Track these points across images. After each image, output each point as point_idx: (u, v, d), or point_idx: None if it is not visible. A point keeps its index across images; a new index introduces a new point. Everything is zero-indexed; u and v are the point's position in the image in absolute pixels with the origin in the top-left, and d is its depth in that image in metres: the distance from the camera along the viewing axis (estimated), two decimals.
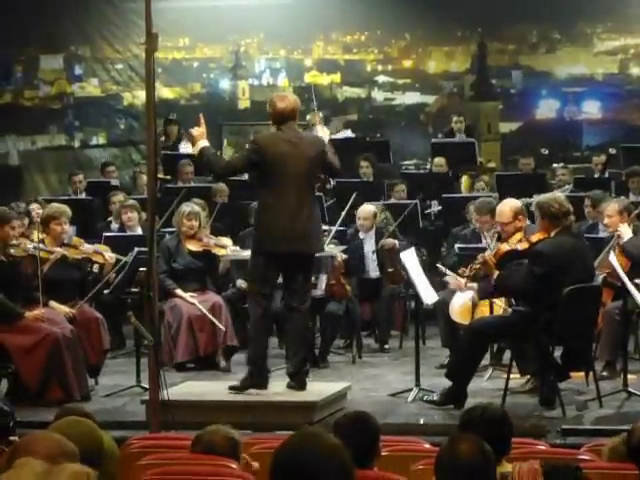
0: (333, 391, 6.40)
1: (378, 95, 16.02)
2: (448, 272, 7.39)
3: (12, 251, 6.88)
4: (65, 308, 6.99)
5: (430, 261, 8.88)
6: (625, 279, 6.57)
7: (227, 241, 7.99)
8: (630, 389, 6.53)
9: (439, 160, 10.51)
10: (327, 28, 15.85)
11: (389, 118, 15.76)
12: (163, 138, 11.18)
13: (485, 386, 6.85)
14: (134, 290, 6.89)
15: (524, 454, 3.87)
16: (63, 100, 15.24)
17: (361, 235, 8.46)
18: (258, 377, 6.22)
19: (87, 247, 7.39)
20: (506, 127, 15.38)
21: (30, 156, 14.64)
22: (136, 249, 7.11)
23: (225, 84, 16.06)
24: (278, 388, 6.31)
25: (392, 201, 9.52)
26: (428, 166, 11.17)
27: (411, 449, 4.32)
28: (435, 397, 6.41)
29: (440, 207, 9.82)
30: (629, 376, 6.62)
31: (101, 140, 15.35)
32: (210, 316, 7.51)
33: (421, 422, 6.18)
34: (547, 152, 13.31)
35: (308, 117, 11.20)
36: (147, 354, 5.89)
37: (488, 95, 15.33)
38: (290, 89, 15.13)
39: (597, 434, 5.52)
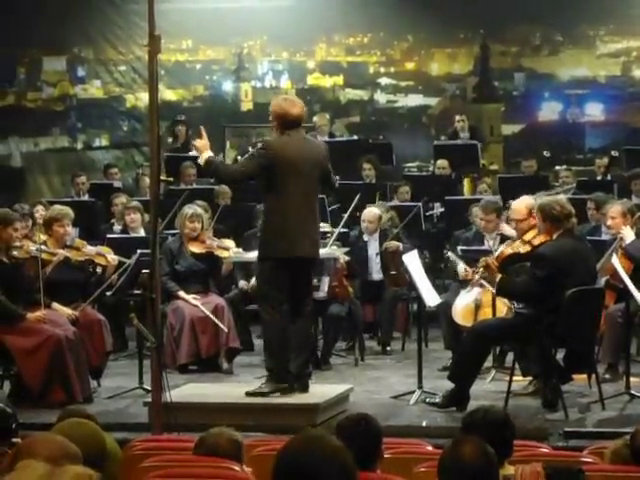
0: (335, 393, 6.40)
1: (381, 97, 16.04)
2: (458, 261, 7.31)
3: (15, 253, 6.88)
4: (68, 310, 6.99)
5: (432, 263, 8.89)
6: (628, 281, 6.57)
7: (230, 243, 7.99)
8: (633, 391, 6.52)
9: (442, 162, 10.52)
10: (330, 30, 15.87)
11: (392, 120, 15.78)
12: (171, 139, 11.18)
13: (488, 388, 6.85)
14: (137, 292, 6.88)
15: (527, 457, 3.87)
16: (66, 102, 15.27)
17: (365, 237, 8.46)
18: (283, 381, 6.21)
19: (90, 249, 7.39)
20: (508, 129, 15.40)
21: (33, 158, 14.66)
22: (139, 251, 7.11)
23: (228, 86, 16.08)
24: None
25: (395, 202, 9.52)
26: (431, 168, 11.18)
27: (413, 451, 4.32)
28: (438, 399, 6.41)
29: (442, 209, 9.83)
30: (632, 379, 6.61)
31: (104, 142, 15.38)
32: (213, 318, 7.51)
33: (424, 424, 6.17)
34: (549, 155, 13.32)
35: (315, 119, 11.23)
36: (149, 356, 5.89)
37: (491, 97, 15.34)
38: (293, 91, 15.15)
39: (599, 437, 5.51)
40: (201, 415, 5.82)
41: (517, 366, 6.60)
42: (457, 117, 11.64)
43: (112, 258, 7.36)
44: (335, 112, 14.95)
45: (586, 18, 14.98)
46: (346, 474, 2.46)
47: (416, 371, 6.70)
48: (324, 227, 7.60)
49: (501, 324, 6.65)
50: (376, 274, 8.45)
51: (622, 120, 15.01)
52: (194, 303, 7.62)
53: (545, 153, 13.32)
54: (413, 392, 6.62)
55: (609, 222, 7.37)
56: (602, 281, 6.90)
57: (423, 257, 7.88)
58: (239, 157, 7.07)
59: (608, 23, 15.18)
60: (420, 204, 9.30)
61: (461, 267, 7.28)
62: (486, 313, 7.25)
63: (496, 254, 6.55)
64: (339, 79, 16.13)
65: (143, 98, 14.25)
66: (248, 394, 6.23)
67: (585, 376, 6.68)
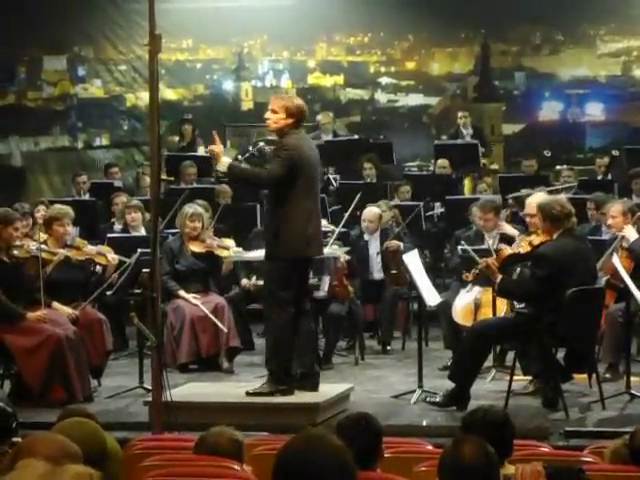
0: (336, 393, 6.41)
1: (381, 97, 16.05)
2: (473, 253, 7.10)
3: (15, 252, 6.89)
4: (68, 309, 7.00)
5: (433, 263, 8.89)
6: (628, 281, 6.57)
7: (230, 242, 8.00)
8: (633, 391, 6.52)
9: (442, 162, 10.53)
10: (330, 30, 15.88)
11: (392, 120, 15.79)
12: (178, 138, 11.18)
13: (488, 388, 6.85)
14: (137, 291, 6.89)
15: (527, 456, 3.88)
16: (66, 101, 15.28)
17: (366, 237, 8.47)
18: (286, 382, 6.22)
19: (90, 248, 7.40)
20: (509, 129, 15.41)
21: (33, 157, 14.67)
22: (139, 250, 7.11)
23: (228, 85, 16.09)
24: None
25: (396, 202, 9.53)
26: (431, 168, 11.19)
27: (414, 450, 4.32)
28: (438, 399, 6.41)
29: (443, 209, 9.83)
30: (632, 378, 6.62)
31: (104, 141, 15.39)
32: (213, 317, 7.51)
33: (424, 424, 6.18)
34: (550, 154, 13.32)
35: (319, 117, 11.23)
36: (150, 355, 5.90)
37: (491, 97, 15.34)
38: (293, 90, 15.16)
39: (600, 436, 5.52)
40: (201, 414, 5.83)
41: (518, 365, 6.60)
42: (460, 113, 11.70)
43: (112, 257, 7.37)
44: (335, 111, 14.92)
45: (587, 18, 14.99)
46: (346, 473, 2.46)
47: (416, 370, 6.70)
48: (326, 227, 7.60)
49: (501, 323, 6.66)
50: (377, 273, 8.46)
51: (622, 120, 15.02)
52: (194, 302, 7.63)
53: (545, 152, 13.31)
54: (413, 391, 6.63)
55: (610, 221, 7.37)
56: (602, 281, 6.90)
57: (423, 257, 7.88)
58: (239, 156, 7.03)
59: (609, 23, 15.19)
60: (421, 204, 9.31)
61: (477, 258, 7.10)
62: (486, 312, 7.25)
63: (497, 254, 6.55)
64: (340, 78, 16.15)
65: (143, 97, 14.26)
66: (249, 394, 6.23)
67: (585, 375, 6.69)
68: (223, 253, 7.87)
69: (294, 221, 6.13)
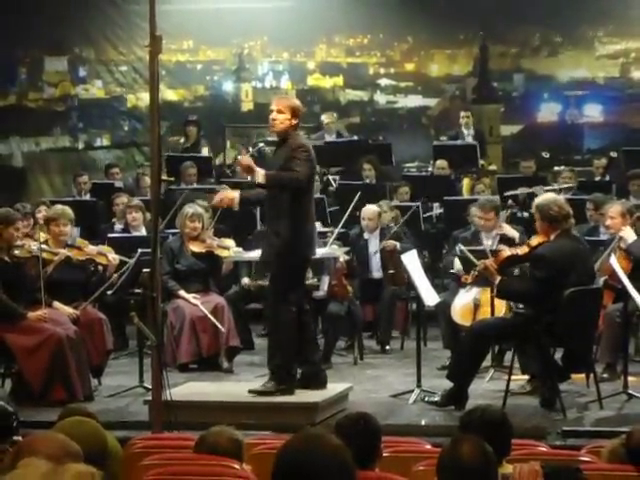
0: (335, 392, 6.43)
1: (380, 98, 16.06)
2: (470, 255, 7.13)
3: (16, 252, 6.91)
4: (69, 309, 7.02)
5: (431, 263, 8.92)
6: (626, 281, 6.59)
7: (230, 242, 8.02)
8: (630, 391, 6.54)
9: (441, 163, 10.55)
10: (330, 31, 15.89)
11: (391, 121, 15.80)
12: (183, 139, 11.19)
13: (486, 387, 6.88)
14: (137, 291, 6.92)
15: (525, 455, 3.90)
16: (67, 102, 15.29)
17: (365, 235, 8.51)
18: (288, 382, 6.25)
19: (91, 248, 7.42)
20: (508, 130, 15.41)
21: (34, 158, 14.68)
22: (139, 250, 7.14)
23: (228, 86, 16.10)
24: None
25: (395, 203, 9.55)
26: (430, 169, 11.21)
27: (412, 450, 4.33)
28: (436, 398, 6.44)
29: (442, 210, 9.85)
30: (629, 378, 6.64)
31: (105, 142, 15.40)
32: (211, 318, 7.54)
33: (422, 423, 6.20)
34: (548, 155, 13.34)
35: (323, 117, 11.25)
36: (150, 355, 5.92)
37: (490, 98, 15.36)
38: (293, 92, 15.18)
39: (597, 436, 5.54)
40: (201, 413, 5.85)
41: (516, 364, 6.62)
42: (462, 113, 11.73)
43: (113, 257, 7.39)
44: (335, 113, 14.97)
45: (585, 19, 15.00)
46: (345, 473, 2.47)
47: (415, 370, 6.72)
48: (322, 228, 7.63)
49: (500, 323, 6.68)
50: (376, 272, 8.49)
51: (621, 121, 15.03)
52: (194, 302, 7.65)
53: (544, 154, 13.34)
54: (412, 391, 6.65)
55: (608, 222, 7.39)
56: (600, 281, 6.93)
57: (422, 257, 7.91)
58: (239, 157, 7.06)
59: (607, 24, 15.20)
60: (419, 204, 9.34)
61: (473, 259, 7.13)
62: (485, 312, 7.28)
63: (495, 256, 6.58)
64: (339, 80, 16.16)
65: (144, 98, 14.26)
66: (251, 392, 6.25)
67: (583, 375, 6.71)
68: (223, 253, 7.90)
69: (305, 220, 6.22)
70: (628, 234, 7.20)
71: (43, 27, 14.01)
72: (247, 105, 15.81)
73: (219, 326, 7.51)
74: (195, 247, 7.88)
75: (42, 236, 7.26)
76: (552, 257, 6.23)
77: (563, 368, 6.42)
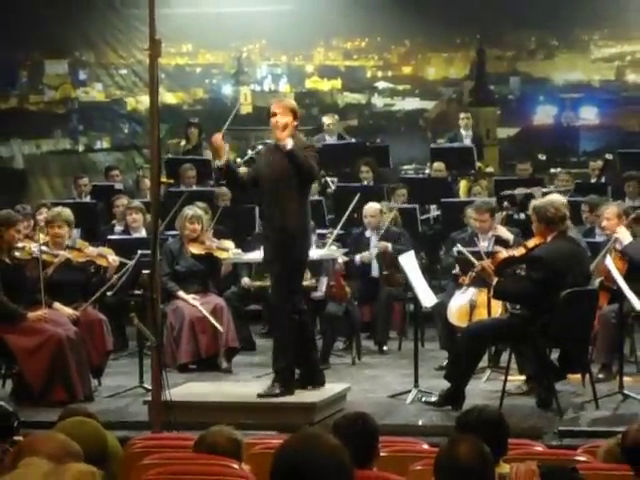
0: (333, 392, 6.45)
1: (378, 101, 16.09)
2: (468, 255, 7.09)
3: (17, 254, 6.95)
4: (69, 310, 7.05)
5: (429, 265, 8.95)
6: (621, 282, 6.63)
7: (229, 244, 8.06)
8: (626, 391, 6.57)
9: (438, 165, 10.58)
10: (328, 35, 15.93)
11: (389, 123, 15.84)
12: (184, 142, 11.21)
13: (483, 388, 6.89)
14: (137, 292, 6.96)
15: (521, 455, 3.91)
16: (67, 105, 15.31)
17: (367, 234, 8.56)
18: (289, 382, 6.29)
19: (91, 250, 7.45)
20: (504, 132, 15.45)
21: (35, 160, 14.70)
22: (139, 252, 7.18)
23: (227, 89, 16.13)
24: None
25: (393, 205, 9.59)
26: (427, 171, 11.25)
27: (410, 450, 4.34)
28: (433, 398, 6.46)
29: (439, 212, 9.89)
30: (625, 378, 6.67)
31: (105, 144, 15.42)
32: (211, 318, 7.57)
33: (420, 423, 6.22)
34: (545, 158, 13.38)
35: (324, 119, 11.25)
36: (150, 355, 5.96)
37: (486, 101, 15.40)
38: (292, 95, 15.21)
39: (593, 436, 5.57)
40: (200, 414, 5.87)
41: (514, 362, 6.65)
42: (462, 115, 11.72)
43: (113, 259, 7.42)
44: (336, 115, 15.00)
45: (581, 23, 15.04)
46: (343, 472, 2.48)
47: (412, 370, 6.75)
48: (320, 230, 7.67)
49: (496, 324, 6.71)
50: (376, 271, 8.54)
51: (616, 124, 15.07)
52: (193, 303, 7.69)
53: (540, 157, 13.38)
54: (409, 391, 6.68)
55: (604, 223, 7.42)
56: (596, 282, 6.96)
57: (419, 258, 7.95)
58: (238, 159, 7.08)
59: (602, 28, 15.24)
60: (417, 206, 9.39)
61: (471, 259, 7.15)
62: (481, 313, 7.31)
63: (492, 257, 6.61)
64: (337, 83, 16.19)
65: (144, 101, 14.31)
66: (260, 396, 6.25)
67: (579, 376, 6.74)
68: (222, 255, 7.93)
69: (308, 220, 6.30)
70: (623, 235, 7.24)
71: (43, 30, 14.04)
72: (246, 108, 15.83)
73: (218, 327, 7.54)
74: (194, 249, 7.92)
75: (42, 238, 7.29)
76: (549, 259, 6.26)
77: (559, 368, 6.45)
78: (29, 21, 13.52)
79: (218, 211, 8.63)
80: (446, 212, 9.58)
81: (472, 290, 7.43)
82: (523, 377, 6.79)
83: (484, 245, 7.55)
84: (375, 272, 8.51)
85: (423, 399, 6.53)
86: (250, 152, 6.73)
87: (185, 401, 6.09)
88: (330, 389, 6.52)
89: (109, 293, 7.32)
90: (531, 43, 15.83)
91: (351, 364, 7.95)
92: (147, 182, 9.35)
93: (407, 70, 16.08)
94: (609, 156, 10.60)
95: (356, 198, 8.30)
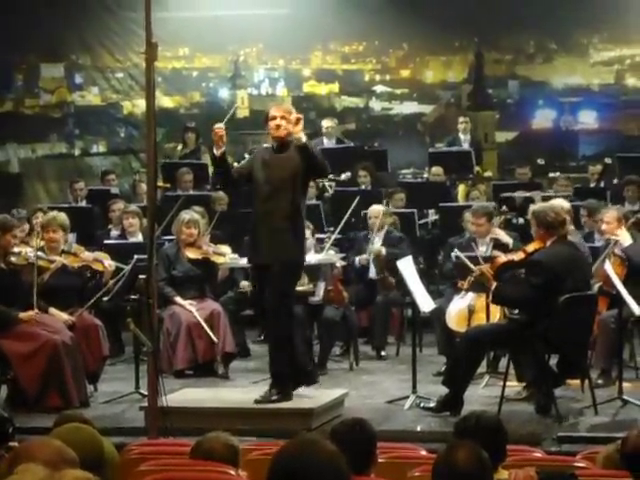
0: (330, 398, 6.44)
1: (376, 105, 16.09)
2: (465, 260, 7.10)
3: (13, 259, 6.92)
4: (65, 315, 7.02)
5: (427, 269, 8.94)
6: (620, 287, 6.61)
7: (226, 249, 8.04)
8: (625, 397, 6.56)
9: (436, 169, 10.57)
10: (325, 38, 15.93)
11: (387, 127, 15.84)
12: (180, 146, 11.20)
13: (481, 393, 6.88)
14: (133, 297, 6.93)
15: (520, 461, 3.91)
16: (63, 108, 15.30)
17: (370, 235, 8.56)
18: (287, 386, 6.26)
19: (87, 255, 7.43)
20: (502, 137, 15.45)
21: (30, 164, 14.69)
22: (136, 257, 7.15)
23: (224, 93, 16.12)
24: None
25: (391, 209, 9.57)
26: (425, 175, 11.24)
27: (408, 456, 4.33)
28: (432, 404, 6.45)
29: (437, 216, 9.88)
30: (624, 384, 6.65)
31: (101, 148, 15.42)
32: (206, 327, 7.53)
33: (418, 429, 6.20)
34: (543, 162, 13.39)
35: (323, 123, 11.23)
36: (146, 361, 5.93)
37: (485, 105, 15.40)
38: (289, 99, 15.21)
39: (592, 442, 5.55)
40: (197, 420, 5.85)
41: (512, 371, 6.63)
42: (461, 119, 11.72)
43: (109, 264, 7.39)
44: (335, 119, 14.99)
45: (580, 26, 15.05)
46: (340, 478, 2.47)
47: (410, 376, 6.73)
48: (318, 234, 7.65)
49: (495, 329, 6.69)
50: (374, 274, 8.53)
51: (615, 128, 15.07)
52: (190, 309, 7.66)
53: (539, 161, 13.39)
54: (407, 397, 6.66)
55: (604, 227, 7.42)
56: (595, 287, 6.94)
57: (417, 263, 7.94)
58: (235, 164, 7.06)
59: (602, 31, 15.25)
60: (415, 210, 9.38)
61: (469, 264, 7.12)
62: (480, 318, 7.29)
63: (491, 262, 6.59)
64: (335, 87, 16.19)
65: (140, 105, 14.31)
66: (257, 402, 6.21)
67: (578, 381, 6.72)
68: (219, 259, 7.91)
69: (302, 221, 6.29)
70: (624, 237, 7.23)
71: (39, 33, 14.04)
72: (243, 112, 15.83)
73: (212, 337, 7.50)
74: (191, 253, 7.90)
75: (38, 243, 7.26)
76: (548, 263, 6.25)
77: (558, 374, 6.43)
78: (25, 24, 13.51)
79: (215, 216, 8.61)
80: (444, 217, 9.57)
81: (471, 295, 7.42)
82: (522, 384, 6.76)
83: (482, 250, 7.53)
84: (373, 274, 8.50)
85: (421, 405, 6.51)
86: (247, 156, 6.73)
87: (181, 407, 6.07)
88: (328, 395, 6.50)
89: (105, 298, 7.30)
90: (530, 46, 15.83)
91: (349, 369, 7.93)
92: (143, 186, 9.32)
93: (405, 74, 16.09)
94: (608, 160, 10.60)
95: (355, 201, 8.29)
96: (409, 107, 16.03)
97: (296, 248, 6.22)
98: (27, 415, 6.32)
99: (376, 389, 7.24)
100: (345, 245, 8.72)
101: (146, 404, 5.81)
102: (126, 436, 5.73)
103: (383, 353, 8.39)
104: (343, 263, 8.09)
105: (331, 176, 10.51)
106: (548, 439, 5.92)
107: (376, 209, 8.53)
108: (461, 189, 10.74)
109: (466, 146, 11.31)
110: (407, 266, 6.89)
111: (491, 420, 3.81)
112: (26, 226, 8.10)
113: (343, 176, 10.41)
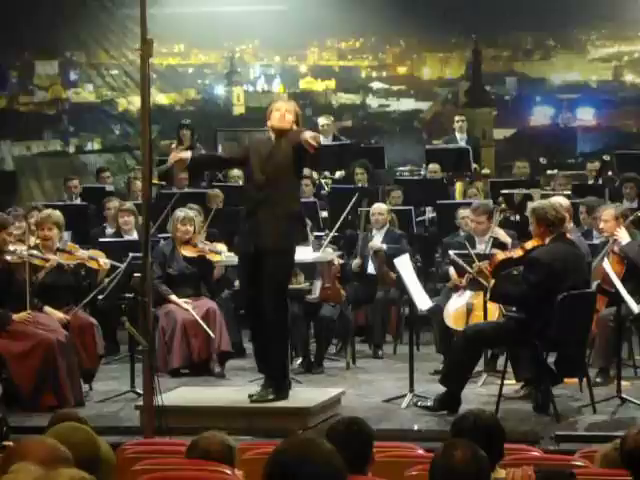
0: (327, 397, 6.41)
1: (372, 101, 16.10)
2: (460, 261, 7.10)
3: (8, 257, 6.88)
4: (59, 314, 7.00)
5: (424, 267, 8.92)
6: (619, 285, 6.60)
7: (222, 247, 8.00)
8: (623, 395, 6.54)
9: (433, 166, 10.55)
10: (322, 35, 15.94)
11: (384, 124, 15.83)
12: (175, 143, 11.17)
13: (479, 392, 6.87)
14: (129, 296, 6.90)
15: (518, 460, 3.90)
16: (58, 106, 15.29)
17: (373, 232, 8.55)
18: (283, 385, 6.22)
19: (82, 253, 7.39)
20: (500, 134, 15.46)
21: (25, 161, 14.69)
22: (131, 255, 7.12)
23: (220, 90, 16.12)
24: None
25: (388, 206, 9.55)
26: (422, 172, 11.22)
27: (405, 455, 4.33)
28: (429, 403, 6.43)
29: (434, 213, 9.85)
30: (622, 382, 6.64)
31: (96, 146, 15.41)
32: (202, 324, 7.51)
33: (415, 428, 6.18)
34: (541, 159, 13.38)
35: (319, 120, 11.20)
36: (141, 360, 5.90)
37: (482, 102, 15.40)
38: (285, 95, 15.19)
39: (590, 440, 5.54)
40: (193, 419, 5.83)
41: (510, 369, 6.61)
42: (457, 117, 11.70)
43: (104, 262, 7.36)
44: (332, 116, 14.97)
45: (578, 23, 15.06)
46: (337, 478, 2.47)
47: (408, 374, 6.71)
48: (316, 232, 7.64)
49: (493, 328, 6.67)
50: (372, 269, 8.51)
51: (613, 124, 15.09)
52: (185, 307, 7.64)
53: (541, 160, 13.38)
54: (405, 396, 6.64)
55: (602, 225, 7.40)
56: (593, 285, 6.92)
57: (415, 261, 7.91)
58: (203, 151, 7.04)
59: (599, 28, 15.27)
60: (412, 208, 9.36)
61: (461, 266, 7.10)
62: (478, 317, 7.27)
63: (489, 259, 6.57)
64: (331, 83, 16.19)
65: (135, 102, 14.27)
66: (253, 400, 6.16)
67: (576, 380, 6.71)
68: (215, 257, 7.88)
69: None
70: (622, 235, 7.22)
71: (34, 30, 14.01)
72: (239, 109, 15.82)
73: (210, 333, 7.48)
74: (187, 251, 7.86)
75: (33, 241, 7.23)
76: (547, 261, 6.23)
77: (556, 372, 6.41)
78: (19, 21, 13.48)
79: (211, 213, 8.58)
80: (442, 214, 9.54)
81: (468, 293, 7.40)
82: (520, 384, 6.73)
83: (481, 248, 7.50)
84: (371, 269, 8.49)
85: (418, 403, 6.49)
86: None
87: (177, 406, 6.04)
88: (324, 393, 6.47)
89: (100, 297, 7.27)
90: (528, 43, 15.84)
91: (346, 368, 7.91)
92: (138, 184, 9.29)
93: (402, 70, 16.08)
94: (606, 157, 10.58)
95: (354, 198, 8.28)
96: (406, 104, 16.03)
97: (294, 237, 6.21)
98: (22, 414, 6.29)
99: (373, 388, 7.22)
100: (342, 243, 8.68)
101: (141, 403, 5.79)
102: (121, 435, 5.71)
103: (380, 352, 8.36)
104: (341, 261, 8.06)
105: (327, 174, 10.50)
106: (546, 438, 5.91)
107: (380, 207, 8.55)
108: (458, 186, 10.72)
109: (462, 144, 11.30)
110: (404, 264, 6.86)
111: (489, 419, 3.79)
112: (23, 224, 8.06)
113: (338, 174, 10.40)
